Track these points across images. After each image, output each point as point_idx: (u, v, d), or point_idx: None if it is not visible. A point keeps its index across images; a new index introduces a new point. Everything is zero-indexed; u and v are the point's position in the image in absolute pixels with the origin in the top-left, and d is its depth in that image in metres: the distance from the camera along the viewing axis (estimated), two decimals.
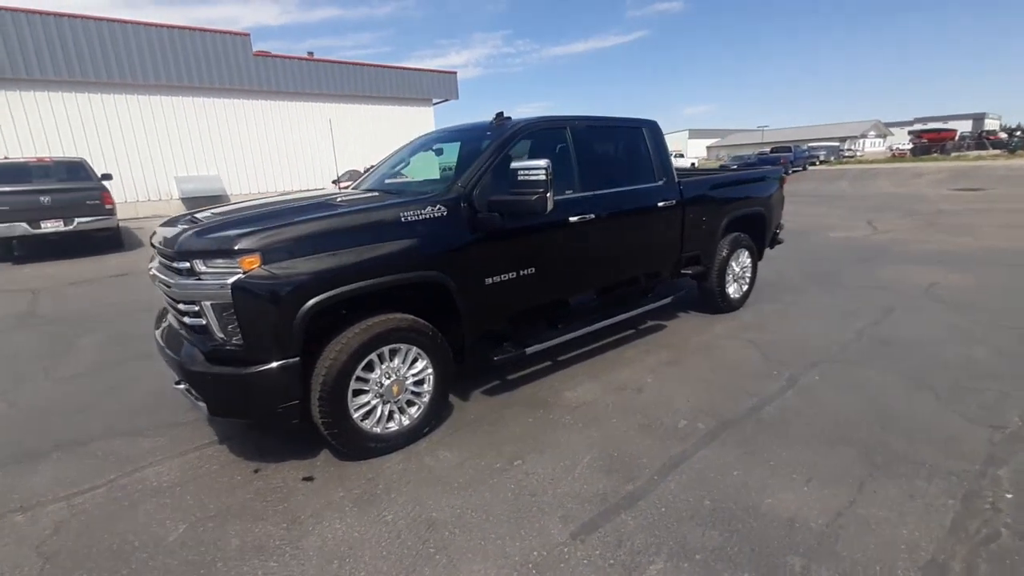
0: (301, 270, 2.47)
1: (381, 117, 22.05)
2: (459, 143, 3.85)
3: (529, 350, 3.43)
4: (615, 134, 4.13)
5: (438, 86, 23.57)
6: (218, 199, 17.40)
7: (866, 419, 3.06)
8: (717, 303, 5.05)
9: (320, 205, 2.97)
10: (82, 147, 15.55)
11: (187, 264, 2.47)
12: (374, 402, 2.83)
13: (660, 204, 4.17)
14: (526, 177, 2.93)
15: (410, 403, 2.99)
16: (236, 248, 2.39)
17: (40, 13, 14.61)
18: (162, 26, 16.59)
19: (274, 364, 2.46)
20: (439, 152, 3.89)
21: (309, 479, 2.74)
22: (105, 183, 12.39)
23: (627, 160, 4.17)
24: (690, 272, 4.67)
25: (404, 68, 22.32)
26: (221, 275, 2.39)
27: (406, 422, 2.97)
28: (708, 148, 79.82)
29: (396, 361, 2.87)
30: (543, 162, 2.92)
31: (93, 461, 3.01)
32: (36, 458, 3.07)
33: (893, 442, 2.80)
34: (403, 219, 2.81)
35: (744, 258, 5.20)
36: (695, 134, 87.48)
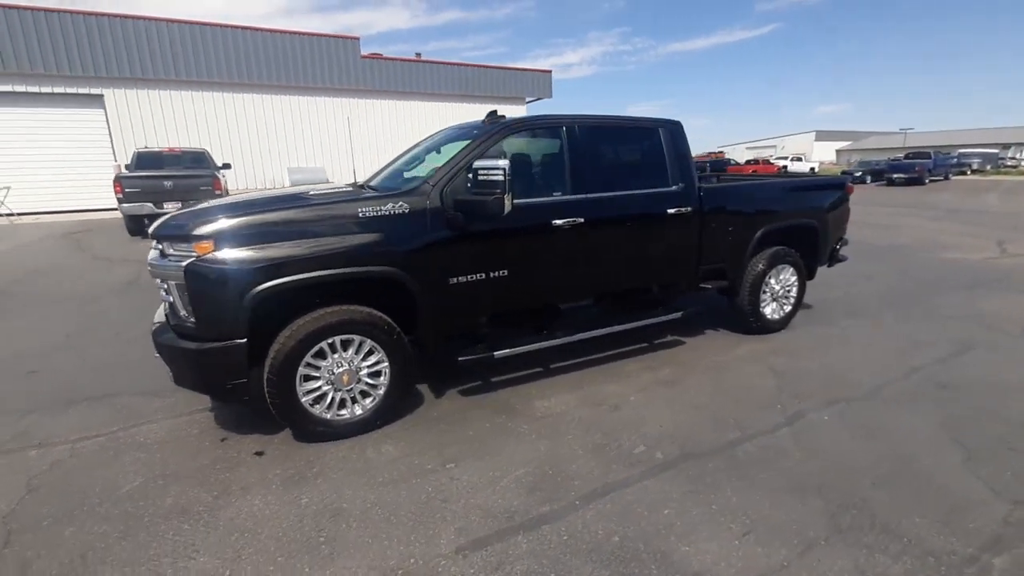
0: (251, 257, 2.64)
1: (474, 115, 22.64)
2: (457, 142, 3.85)
3: (498, 354, 3.36)
4: (623, 136, 3.88)
5: (531, 85, 23.73)
6: None
7: (860, 471, 2.60)
8: (748, 322, 4.56)
9: (292, 198, 3.13)
10: (209, 139, 17.82)
11: (160, 246, 2.75)
12: (325, 388, 2.94)
13: (671, 211, 3.85)
14: (486, 177, 2.86)
15: (364, 394, 3.07)
16: (193, 234, 2.61)
17: (176, 22, 16.96)
18: (280, 32, 18.48)
19: (221, 343, 2.65)
20: (438, 151, 3.91)
21: (260, 454, 2.92)
22: (224, 171, 14.13)
23: (635, 163, 3.91)
24: (710, 286, 4.27)
25: (498, 68, 22.78)
26: (180, 258, 2.62)
27: (359, 412, 3.06)
28: (838, 152, 72.05)
29: (349, 352, 2.95)
30: (502, 162, 2.83)
31: (109, 413, 3.45)
32: (72, 404, 3.59)
33: (878, 503, 2.35)
34: (360, 215, 2.88)
35: (787, 275, 4.64)
36: (823, 136, 79.21)
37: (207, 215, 2.75)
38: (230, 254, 2.61)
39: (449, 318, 3.23)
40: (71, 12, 15.72)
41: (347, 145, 20.23)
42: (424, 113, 21.52)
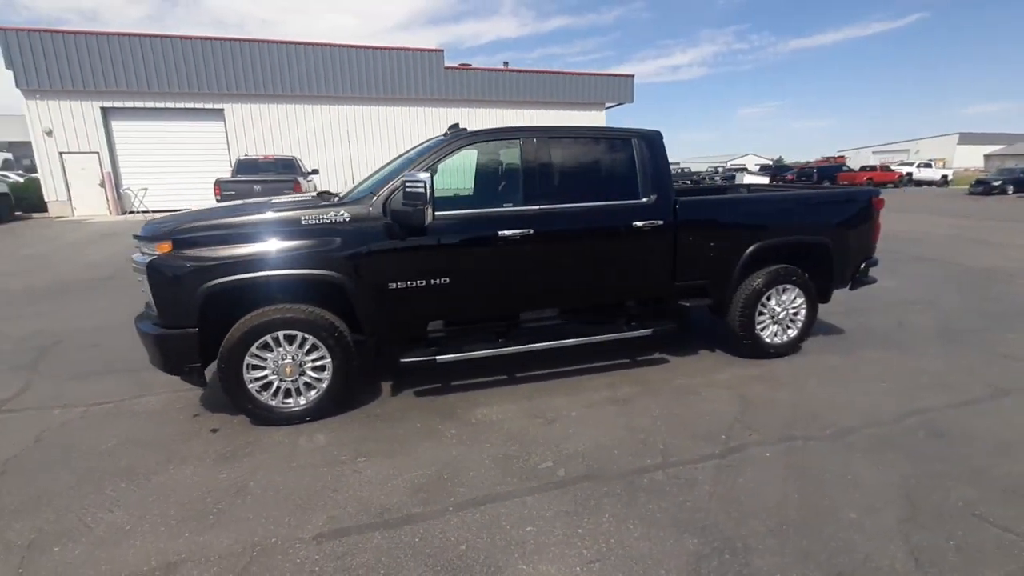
0: (201, 257, 3.01)
1: (551, 122, 22.79)
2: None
3: (440, 359, 3.48)
4: (589, 147, 3.82)
5: (612, 90, 23.38)
6: None
7: (763, 516, 2.37)
8: (742, 345, 4.26)
9: (254, 206, 3.49)
10: (307, 146, 19.69)
11: (139, 246, 3.22)
12: (272, 378, 3.26)
13: (638, 224, 3.72)
14: (411, 189, 3.01)
15: (309, 386, 3.35)
16: (155, 235, 3.04)
17: (283, 43, 18.94)
18: (372, 48, 19.97)
19: (177, 331, 3.06)
20: (411, 162, 4.09)
21: (215, 431, 3.30)
22: (313, 176, 15.59)
23: (600, 175, 3.82)
24: (690, 304, 4.04)
25: (579, 74, 22.73)
26: (146, 255, 3.06)
27: (302, 402, 3.34)
28: (986, 157, 62.39)
29: (293, 347, 3.24)
30: (423, 176, 2.96)
31: (128, 385, 4.06)
32: (107, 375, 4.28)
33: (760, 553, 2.15)
34: (303, 222, 3.16)
35: (791, 296, 4.25)
36: (969, 139, 68.99)
37: (174, 221, 3.18)
38: (184, 254, 3.01)
39: (391, 321, 3.41)
40: (200, 38, 18.23)
41: None
42: (503, 120, 22.03)
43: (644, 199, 3.78)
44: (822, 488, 2.59)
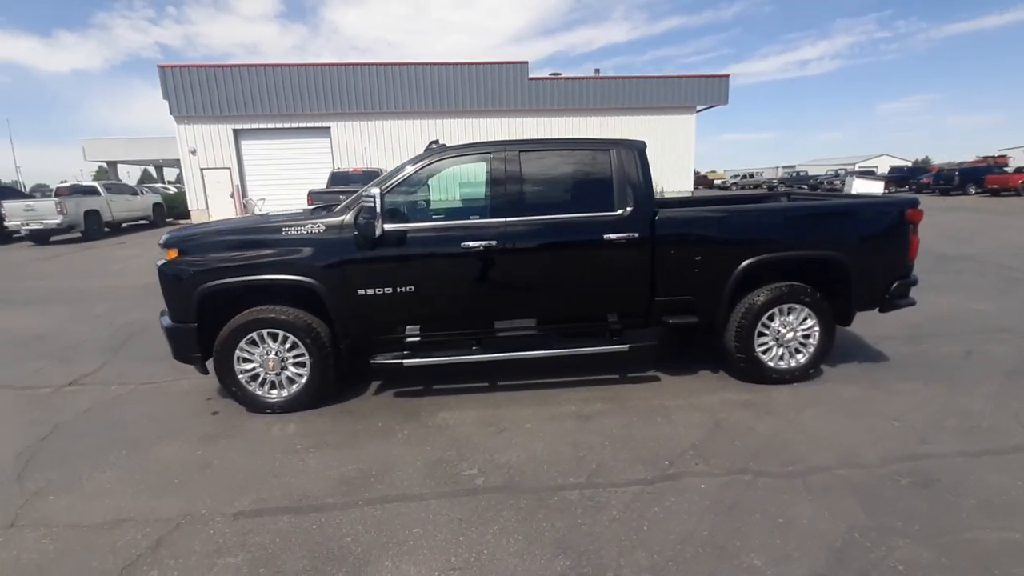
0: (201, 263, 3.50)
1: (636, 127, 22.24)
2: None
3: (407, 363, 3.67)
4: (561, 160, 3.78)
5: (704, 92, 22.22)
6: None
7: (654, 549, 2.24)
8: (739, 368, 3.95)
9: (253, 219, 3.95)
10: (402, 159, 21.12)
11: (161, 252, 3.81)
12: (259, 371, 3.68)
13: (611, 237, 3.63)
14: (365, 204, 3.24)
15: (291, 380, 3.72)
16: (167, 243, 3.59)
17: (380, 64, 20.52)
18: (459, 64, 20.95)
19: (182, 325, 3.58)
20: None
21: (215, 414, 3.79)
22: None
23: (573, 187, 3.77)
24: (676, 321, 3.83)
25: (668, 77, 21.90)
26: (160, 260, 3.63)
27: (284, 394, 3.72)
28: None
29: (276, 344, 3.64)
30: (374, 191, 3.18)
31: (173, 370, 4.74)
32: (163, 359, 4.99)
33: None
34: (284, 233, 3.53)
35: (799, 318, 3.86)
36: None
37: (183, 231, 3.73)
38: (186, 260, 3.52)
39: (362, 325, 3.67)
40: (310, 65, 20.44)
41: None
42: (582, 128, 21.92)
43: (619, 212, 3.68)
44: (741, 528, 2.37)
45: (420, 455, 3.11)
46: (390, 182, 3.61)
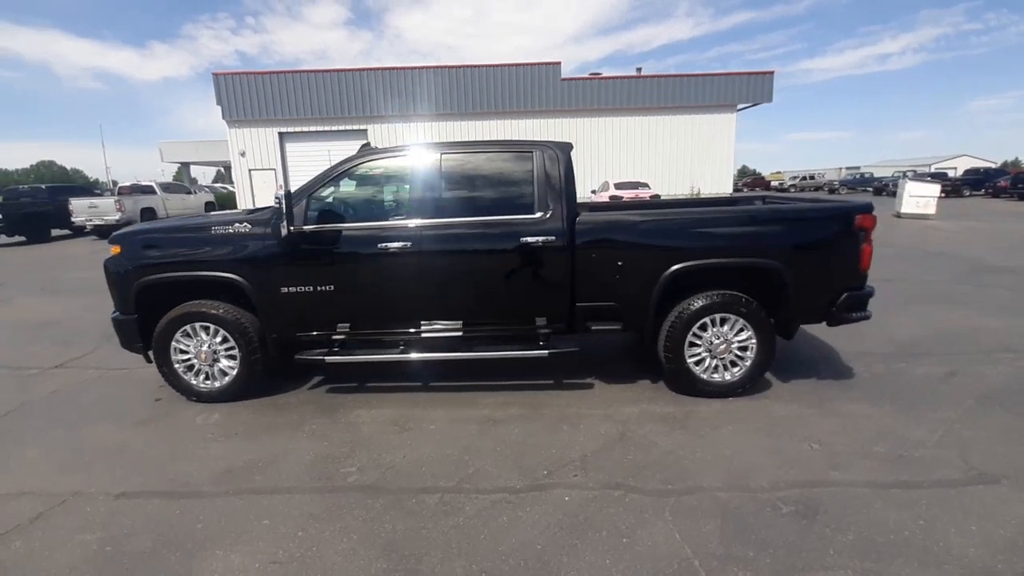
0: (139, 259, 3.75)
1: (673, 127, 21.61)
2: None
3: (328, 360, 3.76)
4: (487, 161, 3.75)
5: (747, 91, 21.26)
6: None
7: (479, 560, 2.20)
8: (671, 379, 3.80)
9: (192, 218, 4.17)
10: None
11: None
12: (194, 361, 3.89)
13: (528, 240, 3.58)
14: (274, 205, 3.36)
15: (223, 372, 3.91)
16: (111, 240, 3.86)
17: (417, 68, 20.96)
18: (487, 66, 21.11)
19: (123, 317, 3.84)
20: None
21: (159, 400, 4.04)
22: None
23: (494, 189, 3.73)
24: (599, 328, 3.72)
25: (709, 75, 21.10)
26: (107, 256, 3.90)
27: (217, 385, 3.91)
28: None
29: (209, 336, 3.83)
30: (280, 193, 3.28)
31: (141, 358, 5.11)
32: None
33: None
34: (214, 231, 3.72)
35: (735, 329, 3.66)
36: None
37: (129, 229, 3.99)
38: (126, 256, 3.77)
39: (287, 321, 3.80)
40: (349, 70, 21.21)
41: None
42: (612, 128, 21.53)
43: (538, 214, 3.62)
44: (577, 545, 2.29)
45: (313, 450, 3.19)
46: (315, 184, 3.72)
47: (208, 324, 3.79)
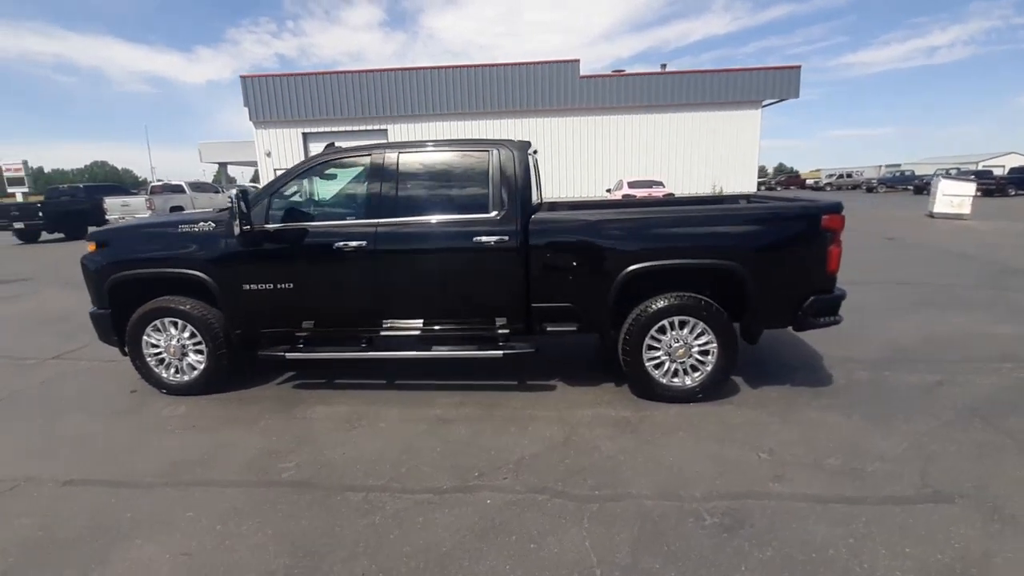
0: (112, 256, 3.90)
1: (695, 123, 21.14)
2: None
3: (288, 356, 3.83)
4: (444, 161, 3.75)
5: (773, 86, 20.61)
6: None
7: (381, 559, 2.20)
8: (631, 383, 3.72)
9: (166, 215, 4.29)
10: None
11: None
12: (164, 355, 4.02)
13: (481, 240, 3.56)
14: (229, 205, 3.44)
15: (192, 367, 4.03)
16: (89, 237, 4.02)
17: (437, 68, 21.11)
18: (504, 65, 21.11)
19: (99, 311, 4.00)
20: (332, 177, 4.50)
21: (134, 391, 4.19)
22: None
23: (450, 189, 3.72)
24: (555, 329, 3.68)
25: (732, 70, 20.53)
26: (84, 252, 4.07)
27: (185, 378, 4.03)
28: None
29: (177, 330, 3.95)
30: (234, 192, 3.35)
31: None
32: None
33: None
34: (180, 230, 3.83)
35: (695, 333, 3.55)
36: None
37: (106, 227, 4.15)
38: (102, 253, 3.93)
39: (249, 317, 3.89)
40: (369, 71, 21.55)
41: (558, 160, 21.60)
42: (630, 125, 21.19)
43: (492, 214, 3.60)
44: (483, 549, 2.26)
45: (259, 445, 3.26)
46: (278, 183, 3.79)
47: (176, 320, 3.91)
